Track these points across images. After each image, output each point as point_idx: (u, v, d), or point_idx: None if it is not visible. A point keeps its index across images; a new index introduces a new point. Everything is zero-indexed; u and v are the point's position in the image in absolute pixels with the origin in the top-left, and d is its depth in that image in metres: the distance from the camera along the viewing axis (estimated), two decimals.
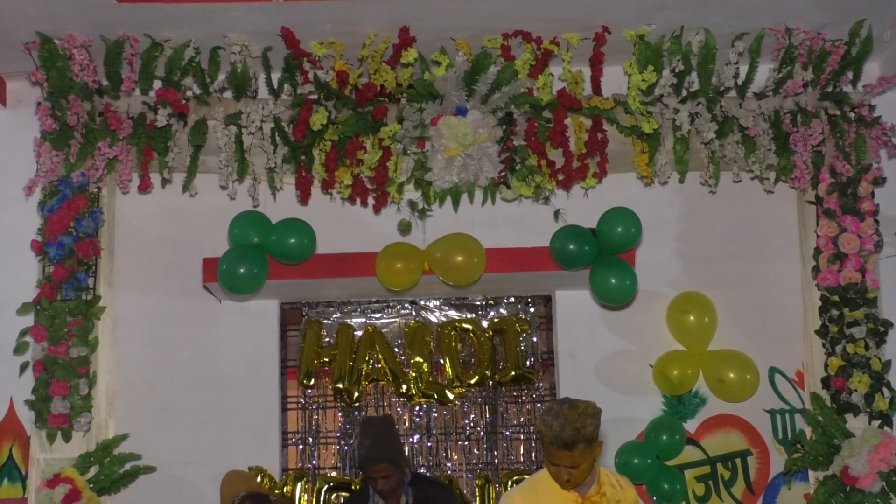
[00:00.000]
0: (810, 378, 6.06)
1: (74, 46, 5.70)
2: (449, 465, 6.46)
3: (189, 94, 5.92)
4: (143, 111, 5.87)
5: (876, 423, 5.71)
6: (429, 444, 6.50)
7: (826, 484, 5.70)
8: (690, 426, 6.17)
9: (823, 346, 5.90)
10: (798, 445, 5.89)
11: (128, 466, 5.77)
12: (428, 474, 6.15)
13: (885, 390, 5.75)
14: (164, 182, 6.08)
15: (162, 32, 5.74)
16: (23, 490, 5.88)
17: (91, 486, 5.55)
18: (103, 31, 5.68)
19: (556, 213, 6.09)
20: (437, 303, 6.58)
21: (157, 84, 5.92)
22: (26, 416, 5.81)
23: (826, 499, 5.68)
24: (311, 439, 6.47)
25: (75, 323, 5.66)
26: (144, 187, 5.98)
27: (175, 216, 6.27)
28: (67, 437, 5.62)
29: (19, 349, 5.74)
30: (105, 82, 5.86)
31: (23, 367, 5.74)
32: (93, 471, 5.61)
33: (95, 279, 5.83)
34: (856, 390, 5.72)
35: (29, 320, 5.73)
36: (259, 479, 5.96)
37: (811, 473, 5.94)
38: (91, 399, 5.68)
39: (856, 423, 5.72)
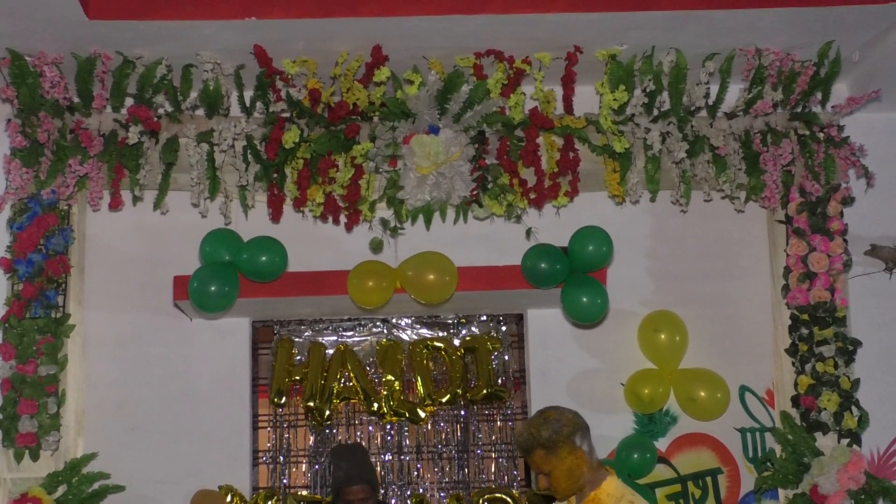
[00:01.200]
0: (780, 396, 6.09)
1: (45, 63, 5.69)
2: (421, 483, 6.49)
3: (161, 111, 5.92)
4: (114, 128, 5.87)
5: (845, 441, 5.74)
6: (400, 463, 6.52)
7: (796, 502, 5.73)
8: (661, 445, 6.19)
9: (793, 364, 5.94)
10: (768, 464, 5.91)
11: (96, 486, 5.70)
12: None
13: (854, 409, 5.78)
14: (136, 199, 6.10)
15: (134, 50, 5.73)
16: None
17: None
18: (75, 48, 5.67)
19: (528, 232, 6.10)
20: (409, 321, 6.59)
21: (129, 101, 5.91)
22: None
23: None
24: (281, 458, 6.47)
25: (44, 341, 5.63)
26: (115, 205, 5.96)
27: (146, 234, 6.27)
28: (35, 456, 5.59)
29: None
30: (76, 99, 5.86)
31: None
32: (61, 490, 5.58)
33: (65, 297, 5.82)
34: (825, 409, 5.75)
35: None
36: (229, 498, 5.94)
37: (781, 492, 5.95)
38: (60, 418, 5.66)
39: (825, 442, 5.75)
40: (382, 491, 6.31)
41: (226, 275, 5.76)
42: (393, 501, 6.41)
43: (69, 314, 5.78)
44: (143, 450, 6.05)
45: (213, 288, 5.70)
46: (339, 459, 5.54)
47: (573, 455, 4.13)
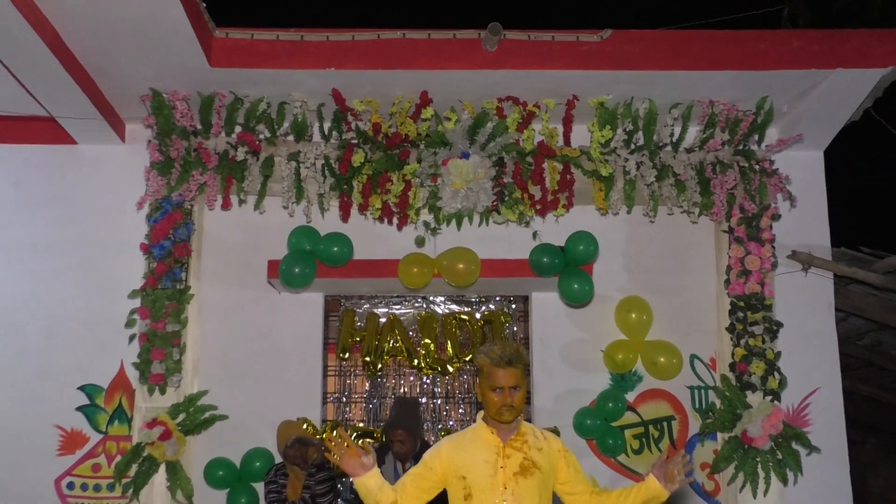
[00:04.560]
0: (721, 363, 6.14)
1: (177, 99, 5.88)
2: (448, 420, 6.56)
3: (261, 137, 6.05)
4: (226, 149, 6.01)
5: (768, 398, 5.84)
6: (433, 405, 6.58)
7: (730, 443, 5.85)
8: (630, 397, 6.27)
9: (731, 339, 5.99)
10: (710, 413, 5.98)
11: (207, 415, 5.90)
12: (431, 444, 5.90)
13: (776, 374, 5.88)
14: (241, 202, 6.26)
15: (243, 90, 5.90)
16: (128, 429, 6.06)
17: (179, 428, 5.73)
18: (199, 88, 5.87)
19: (534, 234, 6.22)
20: (443, 299, 6.66)
21: (238, 129, 6.06)
22: (133, 375, 5.97)
23: (729, 454, 5.81)
24: (344, 398, 6.54)
25: (171, 306, 5.80)
26: (226, 206, 6.12)
27: (248, 228, 6.36)
28: (163, 391, 5.79)
29: (129, 324, 5.91)
30: (199, 126, 6.01)
31: (131, 338, 5.91)
32: (181, 417, 5.77)
33: (187, 274, 5.93)
34: (754, 373, 5.86)
35: (136, 303, 5.88)
36: (305, 427, 6.04)
37: (719, 435, 6.02)
38: (181, 363, 5.82)
39: (754, 398, 5.85)
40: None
41: (306, 260, 5.92)
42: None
43: (189, 286, 5.91)
44: (241, 389, 6.15)
45: (296, 270, 5.88)
46: (393, 408, 5.52)
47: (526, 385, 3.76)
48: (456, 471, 3.69)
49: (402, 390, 6.65)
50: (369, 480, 3.64)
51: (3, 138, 6.35)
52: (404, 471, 5.26)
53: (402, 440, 5.32)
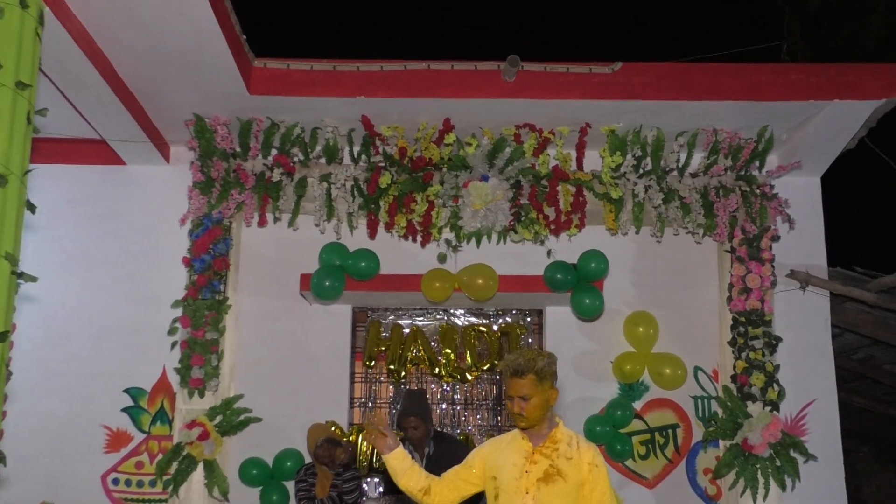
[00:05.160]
0: (723, 375, 6.15)
1: (218, 124, 5.95)
2: (466, 425, 6.56)
3: (295, 159, 6.10)
4: (263, 170, 6.07)
5: (768, 408, 5.85)
6: (453, 411, 6.59)
7: (731, 450, 5.86)
8: (637, 405, 6.28)
9: (733, 352, 6.01)
10: (712, 422, 6.00)
11: (242, 417, 5.94)
12: (446, 432, 6.06)
13: (775, 385, 5.90)
14: (276, 219, 6.35)
15: (279, 116, 5.97)
16: (170, 430, 6.12)
17: (217, 429, 5.79)
18: (239, 114, 5.94)
19: (549, 252, 6.26)
20: (462, 311, 6.67)
21: (274, 151, 6.12)
22: (174, 379, 6.03)
23: (731, 460, 5.82)
24: (370, 403, 6.56)
25: (210, 315, 5.88)
26: (262, 223, 6.22)
27: (282, 243, 6.39)
28: (202, 395, 5.85)
29: (171, 332, 5.98)
30: (238, 149, 6.08)
31: (173, 345, 6.03)
32: (218, 419, 5.83)
33: (225, 286, 6.00)
34: (754, 385, 5.87)
35: (178, 312, 5.95)
36: (333, 429, 6.09)
37: (721, 442, 6.04)
38: (219, 369, 5.88)
39: (754, 408, 5.86)
40: (440, 428, 6.31)
41: (336, 274, 5.98)
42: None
43: (227, 297, 5.99)
44: (275, 393, 6.18)
45: (327, 283, 5.94)
46: (402, 399, 5.58)
47: (553, 390, 3.57)
48: (490, 470, 3.66)
49: None
50: (393, 460, 3.70)
51: (58, 159, 6.45)
52: (421, 458, 5.35)
53: (415, 426, 5.36)
